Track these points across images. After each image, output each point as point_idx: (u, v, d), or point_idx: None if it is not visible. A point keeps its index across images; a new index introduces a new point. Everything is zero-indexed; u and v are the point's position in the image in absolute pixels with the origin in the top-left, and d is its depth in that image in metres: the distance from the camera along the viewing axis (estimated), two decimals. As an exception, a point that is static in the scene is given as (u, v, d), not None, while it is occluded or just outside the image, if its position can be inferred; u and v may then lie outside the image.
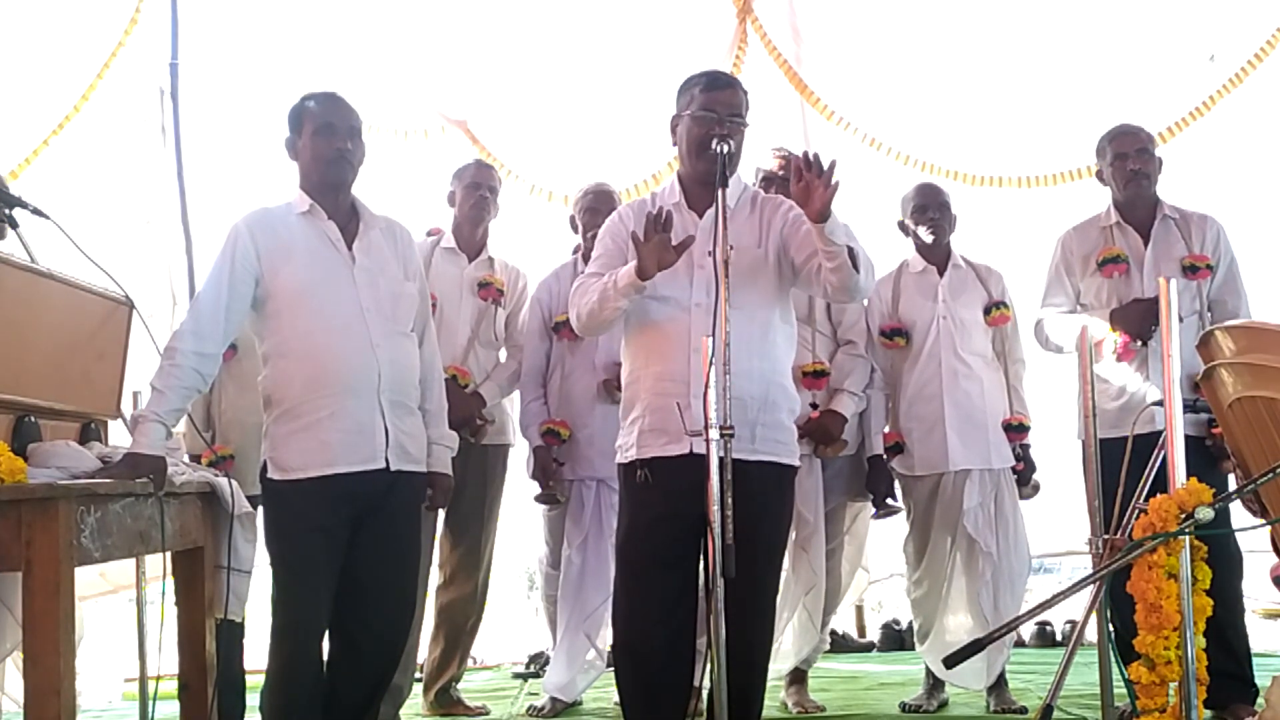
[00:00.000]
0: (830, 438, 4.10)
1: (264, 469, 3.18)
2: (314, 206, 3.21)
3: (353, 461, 3.12)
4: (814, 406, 4.10)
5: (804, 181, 2.88)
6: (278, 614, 3.14)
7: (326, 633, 3.21)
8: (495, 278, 4.36)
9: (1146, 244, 3.99)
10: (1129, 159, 3.99)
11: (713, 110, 3.09)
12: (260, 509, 3.24)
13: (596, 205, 4.34)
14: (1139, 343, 3.86)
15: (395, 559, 3.24)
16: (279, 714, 3.12)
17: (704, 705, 3.11)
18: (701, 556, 3.00)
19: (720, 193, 2.93)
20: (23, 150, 5.76)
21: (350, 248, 3.21)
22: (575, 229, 4.45)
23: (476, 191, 4.36)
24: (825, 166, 2.85)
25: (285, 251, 3.15)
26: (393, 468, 3.17)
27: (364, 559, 3.17)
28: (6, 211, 3.12)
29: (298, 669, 3.11)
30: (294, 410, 3.12)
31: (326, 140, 3.19)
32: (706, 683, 2.98)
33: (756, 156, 4.21)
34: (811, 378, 4.09)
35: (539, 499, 4.32)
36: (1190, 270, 3.91)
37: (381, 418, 3.15)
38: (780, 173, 4.10)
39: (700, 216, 3.14)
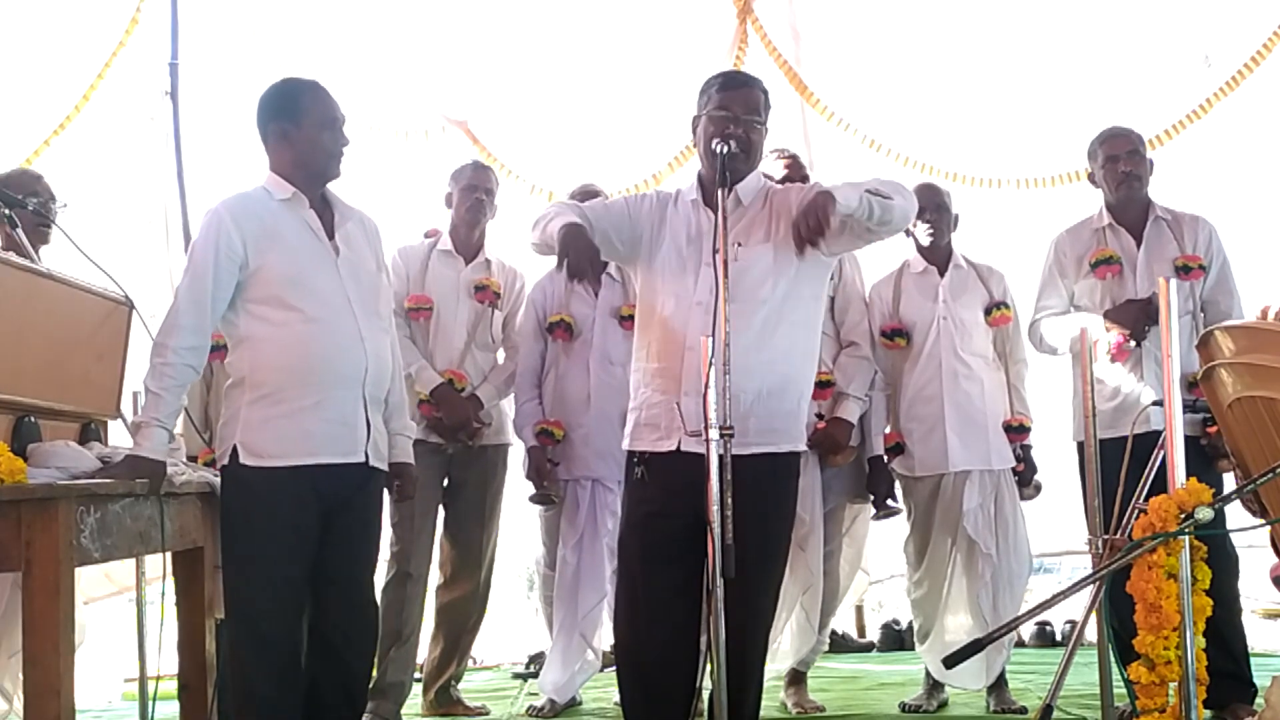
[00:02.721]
0: (839, 447, 4.09)
1: (233, 453, 3.04)
2: (296, 194, 3.13)
3: (334, 454, 3.06)
4: (820, 417, 4.10)
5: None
6: (237, 609, 3.03)
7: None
8: (492, 280, 4.35)
9: (1139, 245, 4.00)
10: (1120, 161, 4.00)
11: (727, 109, 3.10)
12: (222, 496, 3.11)
13: None
14: (1133, 343, 3.87)
15: (365, 557, 3.23)
16: (251, 713, 3.03)
17: (704, 706, 3.11)
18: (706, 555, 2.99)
19: (721, 193, 2.94)
20: (24, 150, 5.76)
21: (332, 238, 3.16)
22: None
23: (473, 194, 4.35)
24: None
25: (271, 239, 3.07)
26: (370, 463, 3.14)
27: (335, 556, 3.12)
28: (6, 211, 3.12)
29: (265, 665, 3.00)
30: (275, 395, 3.03)
31: (333, 136, 3.14)
32: (707, 683, 2.99)
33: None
34: (817, 388, 4.08)
35: (534, 499, 4.32)
36: (1183, 271, 3.92)
37: (364, 411, 3.11)
38: (787, 171, 4.11)
39: (715, 214, 3.14)
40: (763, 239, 3.13)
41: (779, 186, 3.33)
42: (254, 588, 3.01)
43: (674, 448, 3.05)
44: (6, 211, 3.15)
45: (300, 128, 3.12)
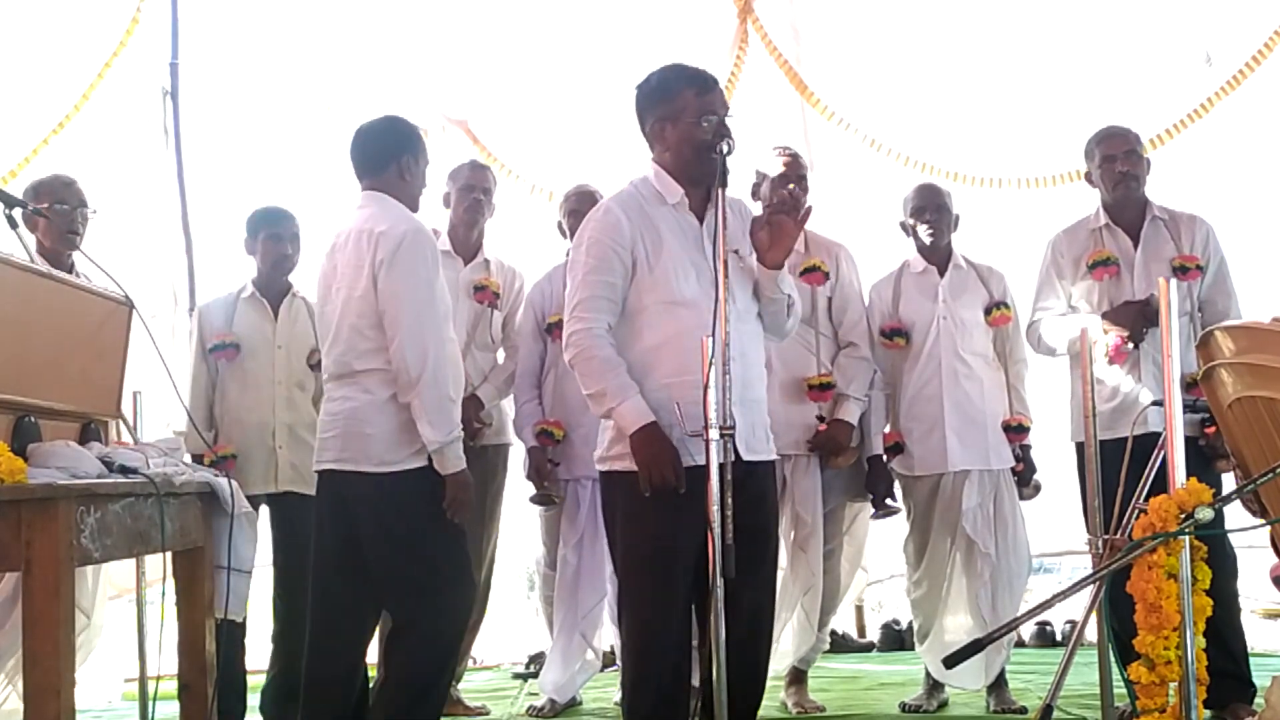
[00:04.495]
0: (840, 448, 4.09)
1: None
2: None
3: None
4: (821, 419, 4.09)
5: (776, 221, 2.95)
6: (456, 605, 3.28)
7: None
8: (491, 280, 4.35)
9: (1136, 245, 3.99)
10: (1117, 161, 3.99)
11: (714, 112, 3.04)
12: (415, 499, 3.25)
13: (579, 208, 4.33)
14: (1131, 345, 3.86)
15: None
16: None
17: (699, 704, 3.11)
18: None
19: (720, 193, 2.92)
20: (22, 150, 5.75)
21: None
22: (564, 234, 4.45)
23: (470, 194, 4.34)
24: (803, 209, 2.95)
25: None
26: None
27: None
28: (7, 211, 3.12)
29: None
30: None
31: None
32: (701, 681, 2.99)
33: (753, 157, 4.21)
34: (817, 390, 4.09)
35: (534, 500, 4.32)
36: (1180, 271, 3.91)
37: None
38: (784, 169, 4.11)
39: (699, 218, 3.10)
40: (749, 252, 3.11)
41: (732, 198, 3.31)
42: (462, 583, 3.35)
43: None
44: (7, 212, 3.14)
45: (418, 163, 3.40)
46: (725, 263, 2.85)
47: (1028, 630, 5.97)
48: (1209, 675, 2.61)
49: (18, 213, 3.11)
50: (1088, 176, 4.13)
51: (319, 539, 3.33)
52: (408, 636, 3.22)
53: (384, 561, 3.22)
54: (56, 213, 3.86)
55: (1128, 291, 3.94)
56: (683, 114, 3.05)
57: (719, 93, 3.12)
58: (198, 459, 3.78)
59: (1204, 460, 3.67)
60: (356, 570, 3.25)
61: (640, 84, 3.14)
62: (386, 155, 3.33)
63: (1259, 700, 3.22)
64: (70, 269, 3.75)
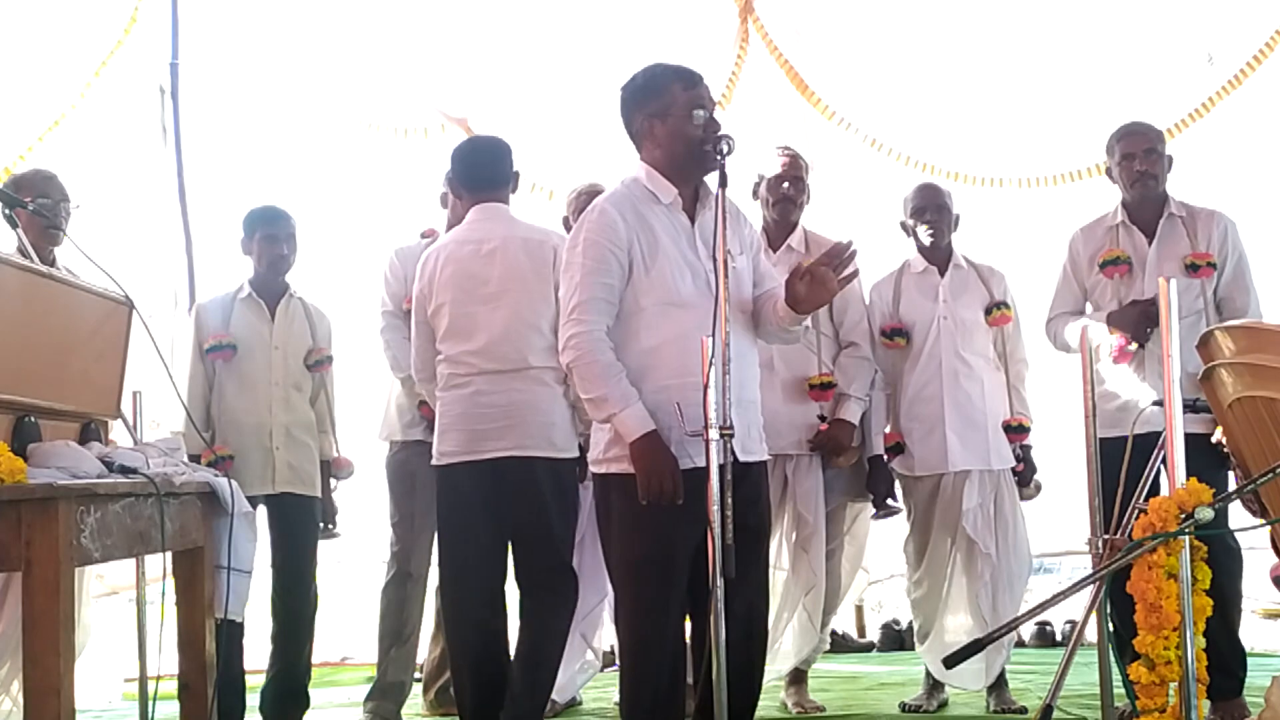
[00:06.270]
0: (842, 448, 4.09)
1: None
2: None
3: None
4: (822, 419, 4.09)
5: (821, 274, 2.90)
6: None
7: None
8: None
9: (1151, 243, 3.98)
10: (1136, 159, 3.97)
11: (703, 105, 3.01)
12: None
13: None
14: (1135, 345, 3.85)
15: None
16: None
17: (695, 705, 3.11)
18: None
19: (721, 193, 2.91)
20: (18, 147, 5.74)
21: None
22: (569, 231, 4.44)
23: None
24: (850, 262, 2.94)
25: None
26: None
27: None
28: (7, 211, 3.12)
29: None
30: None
31: None
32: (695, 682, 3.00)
33: (753, 157, 4.21)
34: (819, 390, 4.08)
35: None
36: (1192, 269, 3.90)
37: None
38: (781, 170, 4.12)
39: (690, 218, 3.08)
40: (739, 251, 3.08)
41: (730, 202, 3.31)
42: None
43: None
44: (7, 212, 3.14)
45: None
46: (726, 264, 2.84)
47: (1028, 630, 5.97)
48: (1211, 673, 2.62)
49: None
50: (1108, 172, 4.11)
51: (473, 518, 3.56)
52: (551, 606, 3.59)
53: (547, 533, 3.56)
54: (40, 206, 3.76)
55: (1139, 290, 3.91)
56: (671, 108, 3.03)
57: (706, 87, 3.09)
58: (194, 459, 3.78)
59: (1216, 458, 3.63)
60: (504, 546, 3.63)
61: (625, 84, 3.13)
62: (507, 172, 3.79)
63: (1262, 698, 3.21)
64: (52, 264, 3.73)
